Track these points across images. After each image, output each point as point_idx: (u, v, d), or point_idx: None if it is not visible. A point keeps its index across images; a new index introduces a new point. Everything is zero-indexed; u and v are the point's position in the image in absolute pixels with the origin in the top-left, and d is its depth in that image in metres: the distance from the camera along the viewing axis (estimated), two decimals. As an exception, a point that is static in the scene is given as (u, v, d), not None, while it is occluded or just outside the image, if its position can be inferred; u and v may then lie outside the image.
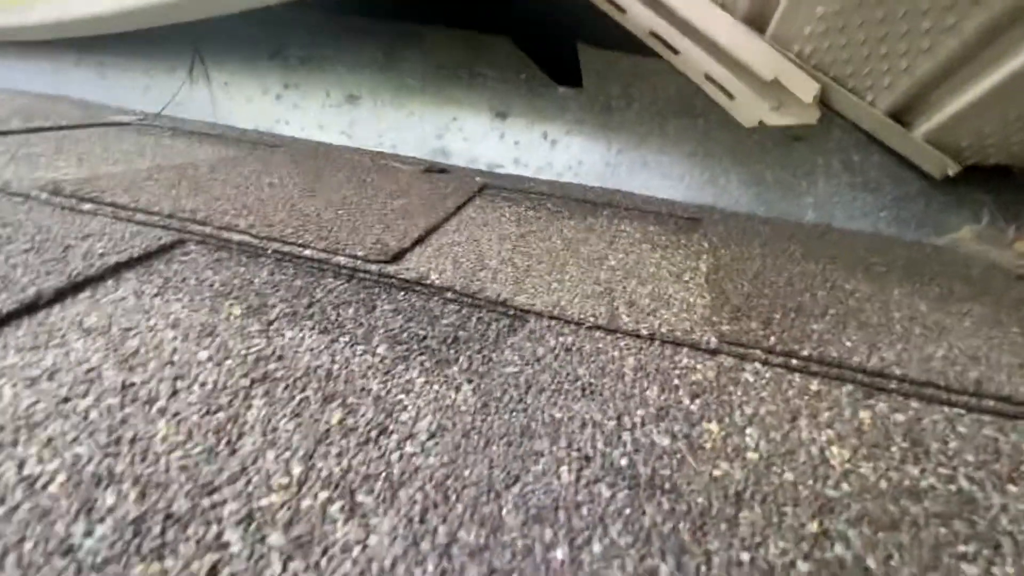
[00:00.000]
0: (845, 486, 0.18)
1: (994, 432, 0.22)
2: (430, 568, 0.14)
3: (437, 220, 0.40)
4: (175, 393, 0.20)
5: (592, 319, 0.28)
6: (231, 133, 0.65)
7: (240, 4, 0.60)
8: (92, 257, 0.29)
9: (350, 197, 0.42)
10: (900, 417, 0.22)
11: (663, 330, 0.27)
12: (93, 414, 0.19)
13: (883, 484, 0.19)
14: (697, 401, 0.22)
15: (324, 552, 0.15)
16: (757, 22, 0.55)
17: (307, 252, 0.31)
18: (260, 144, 0.60)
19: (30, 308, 0.24)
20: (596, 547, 0.15)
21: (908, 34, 0.43)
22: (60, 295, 0.25)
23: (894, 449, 0.20)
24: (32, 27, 0.74)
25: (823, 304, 0.31)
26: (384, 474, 0.17)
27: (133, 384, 0.20)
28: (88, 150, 0.49)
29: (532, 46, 0.67)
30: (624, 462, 0.18)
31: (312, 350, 0.23)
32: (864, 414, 0.22)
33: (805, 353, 0.25)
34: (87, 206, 0.35)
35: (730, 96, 0.58)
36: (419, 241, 0.35)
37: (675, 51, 0.58)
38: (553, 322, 0.27)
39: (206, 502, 0.16)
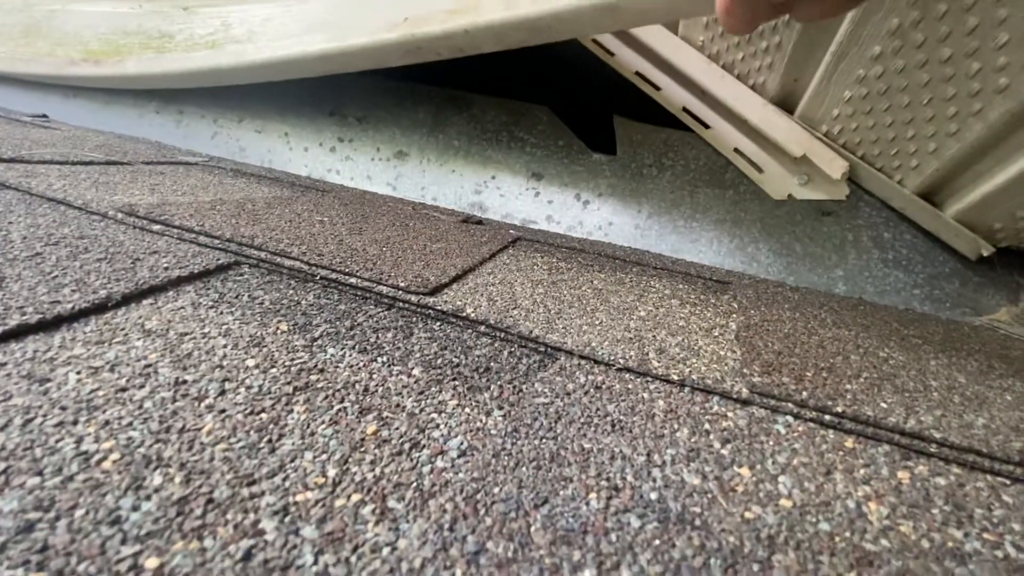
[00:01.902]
0: (884, 542, 0.18)
1: (1045, 506, 0.21)
2: (458, 573, 0.14)
3: (473, 263, 0.41)
4: (223, 393, 0.21)
5: (622, 361, 0.28)
6: (286, 177, 0.70)
7: (305, 72, 0.66)
8: (157, 270, 0.31)
9: (393, 237, 0.45)
10: (941, 481, 0.22)
11: (693, 377, 0.27)
12: (147, 404, 0.20)
13: (925, 544, 0.18)
14: (728, 446, 0.22)
15: (354, 549, 0.15)
16: (786, 103, 0.58)
17: (352, 280, 0.33)
18: (312, 188, 0.64)
19: (99, 308, 0.26)
20: (625, 573, 0.15)
21: (934, 119, 0.45)
22: (126, 299, 0.27)
23: (935, 511, 0.20)
24: (123, 77, 0.83)
25: (856, 367, 0.31)
26: (415, 484, 0.18)
27: (185, 381, 0.21)
28: (160, 182, 0.54)
29: (570, 116, 0.72)
30: (654, 496, 0.18)
31: (351, 367, 0.24)
32: (902, 474, 0.22)
33: (839, 410, 0.25)
34: (156, 227, 0.38)
35: (759, 170, 0.60)
36: (456, 279, 0.37)
37: (706, 126, 0.62)
38: (583, 361, 0.28)
39: (245, 492, 0.16)
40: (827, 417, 0.25)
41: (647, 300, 0.40)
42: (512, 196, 0.69)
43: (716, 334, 0.34)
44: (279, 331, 0.27)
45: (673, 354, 0.30)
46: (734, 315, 0.39)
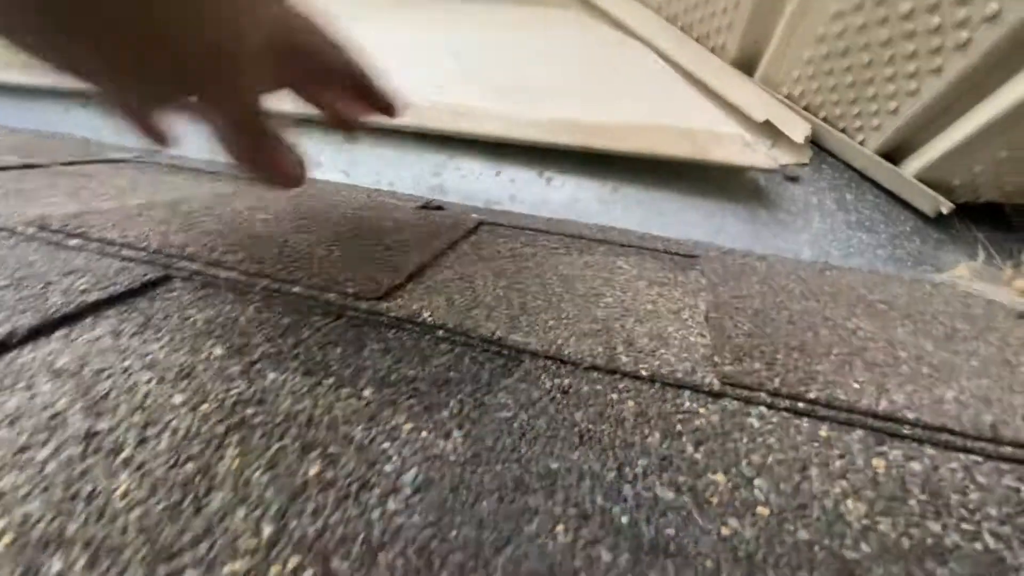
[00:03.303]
0: (864, 546, 0.17)
1: (1014, 482, 0.21)
2: (410, 647, 0.13)
3: (431, 256, 0.39)
4: (143, 442, 0.19)
5: (589, 359, 0.26)
6: (230, 170, 0.65)
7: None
8: (72, 294, 0.28)
9: (344, 233, 0.42)
10: (916, 466, 0.21)
11: (663, 371, 0.26)
12: (51, 466, 0.17)
13: (905, 543, 0.17)
14: (702, 449, 0.21)
15: (292, 628, 0.13)
16: (746, 66, 0.56)
17: (296, 289, 0.30)
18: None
19: (1, 347, 0.23)
20: (595, 620, 0.14)
21: (894, 77, 0.44)
22: (34, 334, 0.24)
23: (912, 503, 0.19)
24: (64, 89, 0.75)
25: (826, 343, 0.30)
26: (363, 535, 0.16)
27: (98, 432, 0.19)
28: (83, 186, 0.49)
29: (528, 88, 0.69)
30: (625, 520, 0.17)
31: (294, 393, 0.22)
32: (878, 462, 0.21)
33: (812, 396, 0.24)
34: (73, 242, 0.34)
35: (723, 136, 0.58)
36: (412, 277, 0.35)
37: (668, 93, 0.60)
38: (549, 362, 0.26)
39: (163, 570, 0.14)
40: (800, 405, 0.24)
41: (614, 283, 0.38)
42: (473, 177, 0.66)
43: (685, 317, 0.33)
44: (213, 357, 0.24)
45: (642, 345, 0.28)
46: (703, 293, 0.38)
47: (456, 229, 0.48)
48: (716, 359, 0.27)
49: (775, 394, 0.25)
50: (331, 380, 0.23)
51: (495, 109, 0.57)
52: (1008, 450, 0.22)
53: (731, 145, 0.49)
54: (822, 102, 0.53)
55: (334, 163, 0.71)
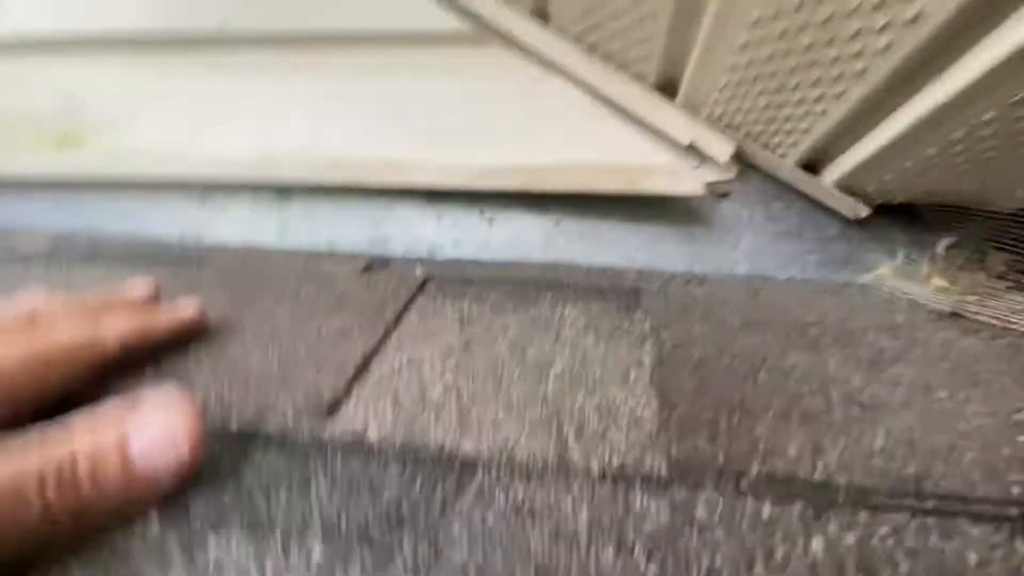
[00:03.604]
0: (808, 657, 0.18)
1: (939, 540, 0.22)
2: None
3: (376, 340, 0.38)
4: (76, 673, 0.18)
5: (542, 460, 0.27)
6: (153, 250, 0.62)
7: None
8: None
9: (281, 324, 0.40)
10: (851, 538, 0.22)
11: (614, 463, 0.26)
12: None
13: (844, 645, 0.18)
14: (654, 561, 0.21)
15: None
16: (667, 89, 0.58)
17: (233, 424, 0.29)
18: (184, 260, 0.57)
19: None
20: None
21: (803, 101, 0.46)
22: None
23: (850, 589, 0.20)
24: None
25: (765, 393, 0.32)
26: None
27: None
28: (-14, 301, 0.45)
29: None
30: (583, 675, 0.17)
31: (239, 566, 0.21)
32: (816, 543, 0.22)
33: (754, 472, 0.25)
34: (-21, 393, 0.32)
35: (653, 161, 0.60)
36: (357, 375, 0.34)
37: (594, 125, 0.60)
38: (501, 474, 0.26)
39: None
40: (743, 483, 0.25)
41: (563, 343, 0.39)
42: (414, 223, 0.65)
43: (632, 379, 0.34)
44: (148, 530, 0.23)
45: (592, 429, 0.29)
46: (647, 343, 0.39)
47: (401, 294, 0.47)
48: (662, 436, 0.28)
49: (720, 473, 0.25)
50: (278, 537, 0.23)
51: (431, 159, 0.56)
52: (931, 504, 0.24)
53: (658, 176, 0.51)
54: (743, 120, 0.54)
55: (266, 223, 0.68)
